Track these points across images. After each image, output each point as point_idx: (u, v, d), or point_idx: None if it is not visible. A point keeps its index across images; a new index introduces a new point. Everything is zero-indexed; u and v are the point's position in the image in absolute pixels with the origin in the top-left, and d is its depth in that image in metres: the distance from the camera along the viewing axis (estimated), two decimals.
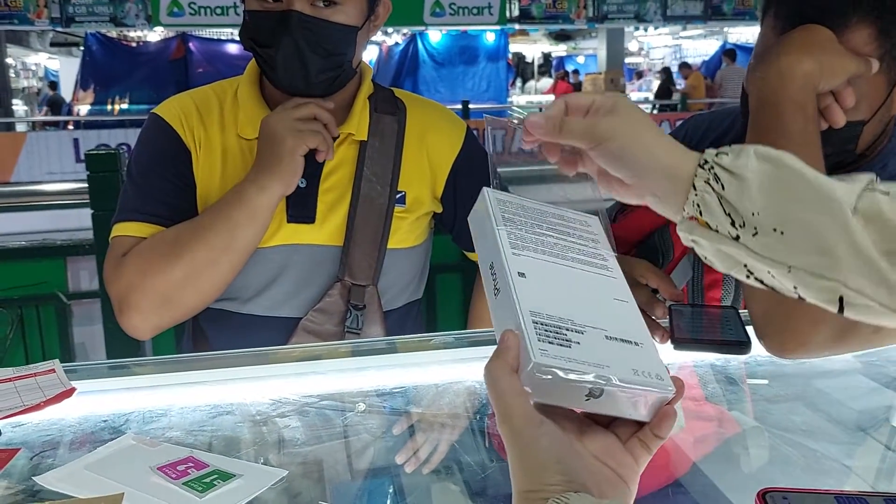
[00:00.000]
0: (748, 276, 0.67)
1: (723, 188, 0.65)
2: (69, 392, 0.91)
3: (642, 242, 1.31)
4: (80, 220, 3.01)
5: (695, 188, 0.67)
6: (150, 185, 1.29)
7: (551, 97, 15.72)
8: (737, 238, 0.65)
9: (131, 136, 8.81)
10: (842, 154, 1.11)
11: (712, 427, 1.08)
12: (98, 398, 0.95)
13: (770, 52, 1.05)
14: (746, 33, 17.14)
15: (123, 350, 2.50)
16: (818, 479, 0.89)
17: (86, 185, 2.63)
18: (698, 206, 0.66)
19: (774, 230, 0.64)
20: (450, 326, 2.69)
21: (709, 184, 0.66)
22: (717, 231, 0.66)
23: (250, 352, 1.04)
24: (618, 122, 0.71)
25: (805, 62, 1.01)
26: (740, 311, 1.18)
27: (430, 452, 0.97)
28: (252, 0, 1.23)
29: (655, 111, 13.59)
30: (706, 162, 0.67)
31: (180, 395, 0.97)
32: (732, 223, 0.65)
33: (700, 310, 1.23)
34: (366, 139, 1.33)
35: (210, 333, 1.35)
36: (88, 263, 2.81)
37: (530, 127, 0.74)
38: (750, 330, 1.05)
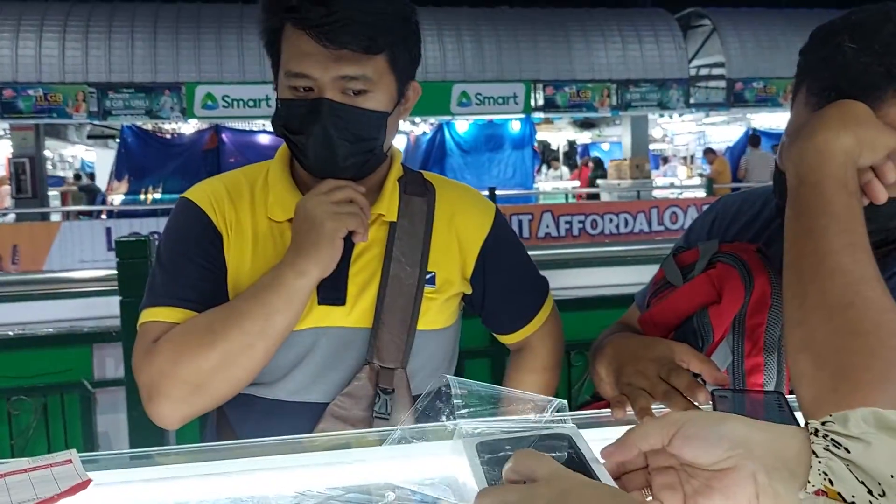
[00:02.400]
0: None
1: (848, 452, 0.59)
2: (84, 484, 0.87)
3: (679, 327, 1.26)
4: (108, 308, 3.02)
5: (816, 455, 0.60)
6: (181, 269, 1.27)
7: (576, 183, 15.87)
8: None
9: (163, 225, 8.93)
10: (885, 232, 1.07)
11: None
12: (114, 490, 0.90)
13: (806, 128, 1.03)
14: (769, 120, 17.32)
15: (147, 439, 2.46)
16: None
17: (114, 272, 2.64)
18: (825, 474, 0.59)
19: None
20: None
21: (829, 451, 0.60)
22: (852, 503, 0.58)
23: (273, 441, 1.00)
24: (691, 413, 0.70)
25: (843, 137, 0.98)
26: (786, 395, 1.13)
27: None
28: (285, 90, 1.24)
29: (681, 195, 13.62)
30: (817, 431, 0.61)
31: (199, 488, 0.92)
32: (870, 491, 0.58)
33: (743, 395, 1.18)
34: (395, 220, 1.32)
35: (234, 421, 1.32)
36: (115, 350, 2.80)
37: (605, 456, 0.73)
38: (798, 415, 1.00)
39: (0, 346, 2.74)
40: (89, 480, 0.87)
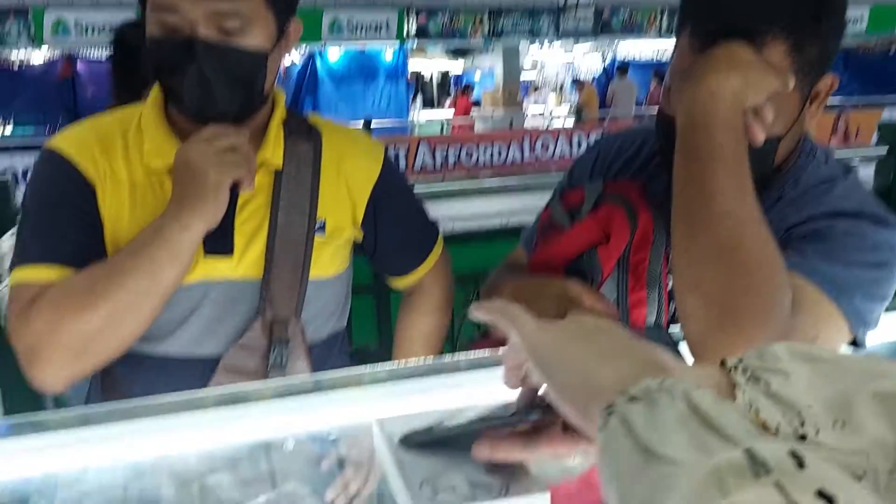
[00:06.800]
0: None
1: (768, 385, 0.59)
2: None
3: (569, 267, 1.30)
4: None
5: (739, 386, 0.60)
6: (52, 225, 1.18)
7: (450, 112, 15.87)
8: (803, 437, 0.57)
9: (17, 162, 8.37)
10: (760, 169, 1.12)
11: None
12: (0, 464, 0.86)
13: (696, 71, 1.05)
14: (633, 48, 17.79)
15: (20, 392, 2.34)
16: None
17: None
18: (750, 404, 0.59)
19: (834, 423, 0.57)
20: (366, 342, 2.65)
21: (750, 384, 0.60)
22: (776, 433, 0.58)
23: (168, 399, 0.97)
24: None
25: (732, 80, 1.02)
26: (669, 330, 1.19)
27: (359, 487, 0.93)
28: (153, 26, 1.15)
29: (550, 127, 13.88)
30: (735, 367, 0.61)
31: (95, 455, 0.87)
32: (789, 422, 0.58)
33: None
34: (281, 166, 1.28)
35: (122, 378, 1.26)
36: None
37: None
38: (681, 347, 1.05)
39: None
40: None
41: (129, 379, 1.26)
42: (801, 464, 0.40)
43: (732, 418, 0.47)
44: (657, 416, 0.48)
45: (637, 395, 0.50)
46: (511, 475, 0.76)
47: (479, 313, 0.73)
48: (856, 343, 1.07)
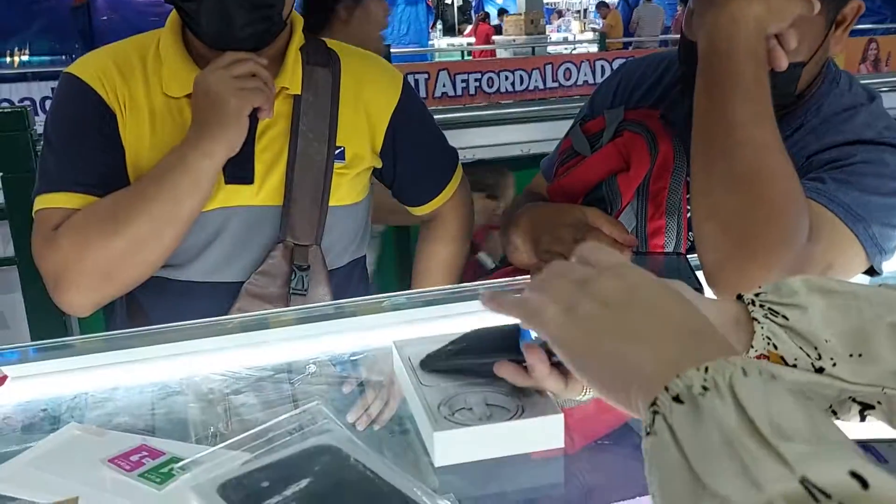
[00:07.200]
0: (865, 411, 0.60)
1: (787, 319, 0.60)
2: (1, 380, 0.84)
3: (589, 195, 1.30)
4: None
5: (758, 321, 0.61)
6: (74, 152, 1.20)
7: (472, 40, 15.59)
8: (821, 370, 0.59)
9: (35, 90, 8.34)
10: (782, 96, 1.11)
11: None
12: (33, 384, 0.89)
13: None
14: None
15: (46, 318, 2.39)
16: None
17: None
18: (769, 338, 0.61)
19: (851, 355, 0.59)
20: (386, 281, 2.67)
21: (768, 318, 0.61)
22: (795, 366, 0.60)
23: (194, 324, 0.99)
24: None
25: (755, 5, 1.00)
26: (688, 256, 1.19)
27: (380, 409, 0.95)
28: None
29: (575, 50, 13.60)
30: (753, 301, 0.62)
31: (124, 376, 0.91)
32: (807, 355, 0.60)
33: (647, 257, 1.24)
34: (300, 93, 1.27)
35: (146, 304, 1.29)
36: (1, 229, 2.66)
37: None
38: (699, 275, 1.05)
39: None
40: (6, 376, 0.85)
41: (154, 304, 1.29)
42: (864, 484, 0.37)
43: (785, 418, 0.42)
44: (703, 428, 0.44)
45: (681, 395, 0.46)
46: (527, 398, 0.78)
47: (493, 306, 0.67)
48: (873, 271, 1.07)
